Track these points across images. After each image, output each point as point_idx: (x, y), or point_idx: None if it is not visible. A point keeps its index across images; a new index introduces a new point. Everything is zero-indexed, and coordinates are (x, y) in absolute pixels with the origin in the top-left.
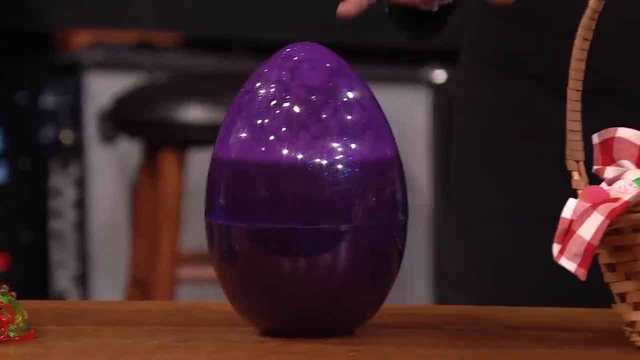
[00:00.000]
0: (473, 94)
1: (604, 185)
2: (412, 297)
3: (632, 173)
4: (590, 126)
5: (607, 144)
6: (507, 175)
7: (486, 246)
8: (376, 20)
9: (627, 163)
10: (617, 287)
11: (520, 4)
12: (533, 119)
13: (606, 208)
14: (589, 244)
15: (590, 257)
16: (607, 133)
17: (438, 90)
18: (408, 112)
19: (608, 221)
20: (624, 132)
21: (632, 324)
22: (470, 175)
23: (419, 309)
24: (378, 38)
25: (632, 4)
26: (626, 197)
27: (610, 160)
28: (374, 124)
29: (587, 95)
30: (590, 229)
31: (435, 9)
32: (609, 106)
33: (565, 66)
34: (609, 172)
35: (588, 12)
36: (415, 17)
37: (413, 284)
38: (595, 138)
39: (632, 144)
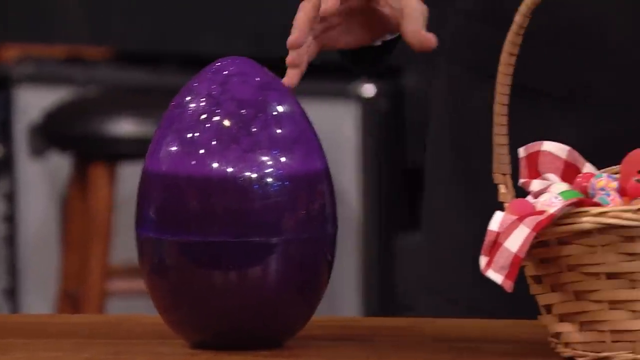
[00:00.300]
0: (447, 97)
1: (530, 198)
2: (342, 309)
3: (557, 186)
4: (560, 132)
5: (533, 158)
6: (477, 179)
7: (460, 252)
8: None
9: (552, 176)
10: (543, 299)
11: (494, 7)
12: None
13: (532, 221)
14: (516, 256)
15: (517, 269)
16: (532, 147)
17: (367, 104)
18: (338, 126)
19: (534, 233)
20: (549, 146)
21: (557, 335)
22: (442, 180)
23: (348, 321)
24: None
25: (601, 11)
26: (552, 210)
27: (536, 174)
28: (304, 138)
29: (558, 101)
30: (516, 241)
31: (379, 43)
32: (579, 112)
33: (537, 71)
34: (535, 185)
35: (514, 27)
36: (361, 52)
37: (343, 296)
38: (522, 152)
39: (557, 157)
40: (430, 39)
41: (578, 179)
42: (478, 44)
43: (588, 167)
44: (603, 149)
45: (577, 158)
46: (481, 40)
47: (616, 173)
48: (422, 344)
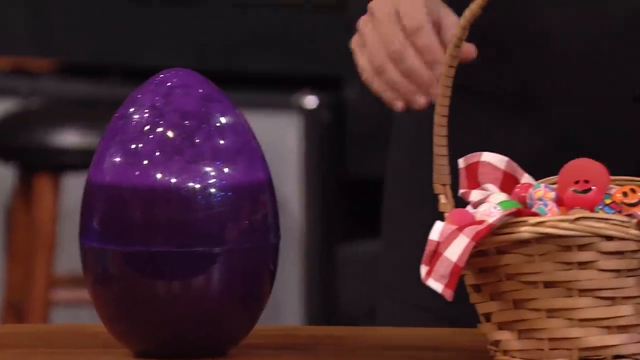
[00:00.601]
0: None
1: (469, 208)
2: (285, 318)
3: (496, 196)
4: (512, 133)
5: (472, 168)
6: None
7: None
8: (249, 47)
9: (491, 187)
10: (482, 308)
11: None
12: (460, 127)
13: (471, 230)
14: (455, 265)
15: (457, 278)
16: (472, 158)
17: (309, 115)
18: (280, 137)
19: (473, 243)
20: (488, 157)
21: (496, 342)
22: (403, 186)
23: (291, 330)
24: (251, 65)
25: (550, 14)
26: (491, 220)
27: (475, 184)
28: (247, 149)
29: (509, 103)
30: (456, 250)
31: None
32: (529, 119)
33: (493, 75)
34: (474, 195)
35: (455, 40)
36: None
37: (285, 305)
38: (461, 162)
39: (496, 168)
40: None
41: (516, 190)
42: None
43: (526, 178)
44: (551, 156)
45: (516, 169)
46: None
47: (554, 183)
48: (362, 352)
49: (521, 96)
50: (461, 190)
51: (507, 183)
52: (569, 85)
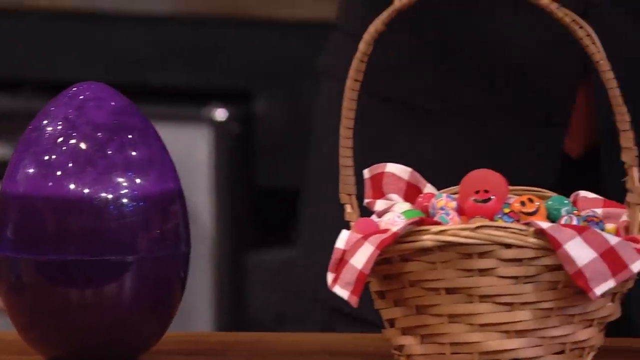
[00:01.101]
0: (325, 109)
1: (374, 217)
2: (196, 324)
3: (400, 206)
4: (439, 148)
5: (377, 179)
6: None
7: None
8: (160, 61)
9: (395, 196)
10: (386, 313)
11: (363, 22)
12: (371, 135)
13: (376, 239)
14: (361, 272)
15: (362, 285)
16: (376, 168)
17: (219, 128)
18: (191, 149)
19: (378, 251)
20: (392, 168)
21: (400, 347)
22: (321, 194)
23: (201, 336)
24: (161, 78)
25: (483, 28)
26: (395, 229)
27: (380, 194)
28: (158, 160)
29: (436, 116)
30: (361, 258)
31: None
32: (456, 127)
33: (402, 83)
34: (379, 205)
35: (358, 54)
36: None
37: (196, 312)
38: (366, 173)
39: (399, 178)
40: None
41: (419, 199)
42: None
43: (429, 188)
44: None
45: (419, 179)
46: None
47: (455, 193)
48: (272, 357)
49: (439, 111)
50: (366, 200)
51: (411, 193)
52: (484, 102)
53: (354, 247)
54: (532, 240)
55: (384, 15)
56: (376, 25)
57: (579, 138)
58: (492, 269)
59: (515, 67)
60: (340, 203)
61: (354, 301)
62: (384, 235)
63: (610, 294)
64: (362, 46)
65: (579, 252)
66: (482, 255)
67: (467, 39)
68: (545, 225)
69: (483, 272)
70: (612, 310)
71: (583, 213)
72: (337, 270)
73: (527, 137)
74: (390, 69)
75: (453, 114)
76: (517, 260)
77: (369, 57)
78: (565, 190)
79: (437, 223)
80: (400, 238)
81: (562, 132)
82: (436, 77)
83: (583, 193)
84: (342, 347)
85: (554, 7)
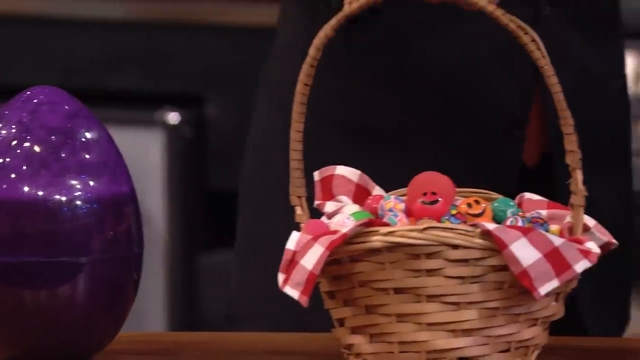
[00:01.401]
0: (263, 130)
1: (324, 219)
2: (149, 324)
3: (349, 207)
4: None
5: (327, 181)
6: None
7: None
8: (113, 66)
9: (344, 198)
10: (336, 313)
11: (302, 44)
12: (325, 158)
13: (326, 240)
14: (311, 273)
15: (312, 285)
16: (326, 171)
17: (172, 131)
18: (144, 152)
19: (328, 252)
20: (342, 170)
21: (350, 346)
22: (256, 198)
23: (154, 336)
24: (115, 83)
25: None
26: (344, 230)
27: (330, 196)
28: (111, 163)
29: (384, 136)
30: (311, 259)
31: None
32: (410, 148)
33: (356, 107)
34: (329, 206)
35: (308, 59)
36: None
37: (149, 313)
38: (316, 175)
39: (349, 180)
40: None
41: (368, 201)
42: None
43: (377, 190)
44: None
45: (368, 181)
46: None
47: (403, 195)
48: (224, 357)
49: (397, 130)
50: (316, 202)
51: (360, 195)
52: (443, 118)
53: (304, 248)
54: (479, 241)
55: (333, 22)
56: (326, 31)
57: (535, 147)
58: (440, 269)
59: (468, 82)
60: (274, 216)
61: (304, 301)
62: (334, 237)
63: (554, 294)
64: (312, 51)
65: (524, 252)
66: (429, 255)
67: (420, 60)
68: (491, 226)
69: (431, 272)
70: (556, 310)
71: (528, 214)
72: (288, 270)
73: (487, 148)
74: (343, 94)
75: (412, 132)
76: (464, 261)
77: (320, 84)
78: None
79: (386, 224)
80: (349, 239)
81: (521, 142)
82: (391, 100)
83: (528, 195)
84: (292, 346)
85: (499, 13)
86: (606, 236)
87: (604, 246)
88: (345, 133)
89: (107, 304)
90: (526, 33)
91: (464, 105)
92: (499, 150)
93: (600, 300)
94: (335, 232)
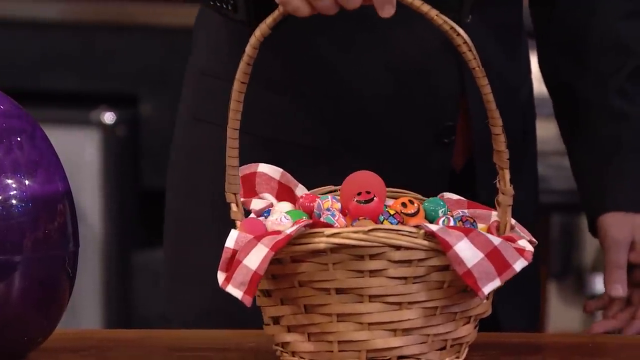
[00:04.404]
0: (200, 151)
1: (253, 216)
2: (84, 321)
3: (282, 206)
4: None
5: (249, 178)
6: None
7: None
8: (49, 67)
9: (268, 196)
10: (271, 311)
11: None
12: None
13: (270, 240)
14: (255, 273)
15: (256, 285)
16: (249, 168)
17: (107, 130)
18: (80, 151)
19: (273, 252)
20: (264, 168)
21: (285, 344)
22: (183, 198)
23: (90, 333)
24: (51, 83)
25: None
26: (288, 231)
27: (253, 193)
28: (47, 162)
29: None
30: (255, 259)
31: None
32: (344, 160)
33: (288, 124)
34: (255, 204)
35: (245, 58)
36: None
37: (85, 310)
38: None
39: (271, 178)
40: None
41: (301, 200)
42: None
43: (300, 189)
44: None
45: (290, 179)
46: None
47: (332, 192)
48: (157, 353)
49: (329, 145)
50: (241, 199)
51: (283, 193)
52: (374, 130)
53: (246, 247)
54: (422, 242)
55: (269, 20)
56: (262, 30)
57: (462, 153)
58: (383, 269)
59: (398, 94)
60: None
61: (248, 301)
62: (278, 237)
63: None
64: (248, 49)
65: (468, 253)
66: (373, 256)
67: (347, 76)
68: (434, 227)
69: (374, 273)
70: (486, 308)
71: (455, 213)
72: (229, 269)
73: (419, 156)
74: (275, 111)
75: (347, 148)
76: (407, 262)
77: (252, 100)
78: None
79: (329, 226)
80: (293, 240)
81: (451, 149)
82: (322, 115)
83: (447, 194)
84: (225, 343)
85: (434, 14)
86: (527, 234)
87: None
88: (275, 149)
89: (42, 302)
90: (458, 34)
91: (391, 119)
92: (431, 158)
93: (512, 294)
94: (278, 232)
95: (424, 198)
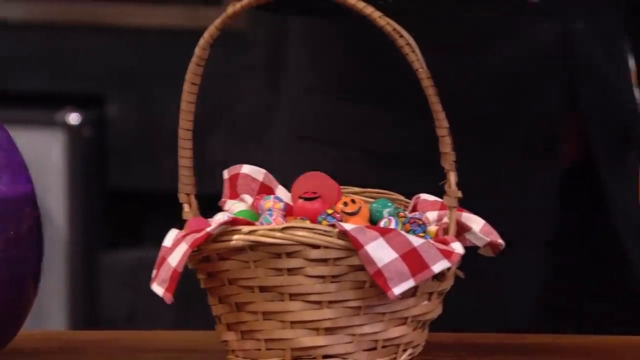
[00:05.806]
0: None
1: (221, 216)
2: (50, 323)
3: (236, 205)
4: None
5: (234, 179)
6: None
7: None
8: (14, 66)
9: (247, 197)
10: (214, 310)
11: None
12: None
13: (191, 238)
14: (174, 270)
15: (175, 282)
16: (234, 169)
17: (72, 131)
18: (45, 152)
19: (190, 250)
20: (247, 169)
21: (225, 343)
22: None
23: (55, 334)
24: (16, 83)
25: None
26: (209, 228)
27: (235, 195)
28: (11, 163)
29: None
30: (176, 256)
31: None
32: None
33: None
34: (228, 204)
35: (194, 59)
36: None
37: (50, 311)
38: (225, 174)
39: (254, 179)
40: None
41: (256, 200)
42: None
43: (280, 189)
44: None
45: (272, 180)
46: None
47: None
48: (122, 354)
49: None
50: (221, 200)
51: (263, 194)
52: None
53: (174, 245)
54: (337, 241)
55: (218, 22)
56: (210, 32)
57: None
58: (300, 268)
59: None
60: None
61: (168, 298)
62: (198, 235)
63: (427, 293)
64: (197, 51)
65: (380, 253)
66: (290, 255)
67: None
68: (348, 226)
69: (292, 271)
70: (430, 309)
71: (410, 215)
72: (158, 268)
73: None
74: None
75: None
76: (323, 261)
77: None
78: None
79: (250, 223)
80: (215, 237)
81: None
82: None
83: (424, 196)
84: (192, 344)
85: (376, 15)
86: (492, 236)
87: (493, 246)
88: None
89: (7, 303)
90: (401, 36)
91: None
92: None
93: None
94: (202, 230)
95: (408, 201)
